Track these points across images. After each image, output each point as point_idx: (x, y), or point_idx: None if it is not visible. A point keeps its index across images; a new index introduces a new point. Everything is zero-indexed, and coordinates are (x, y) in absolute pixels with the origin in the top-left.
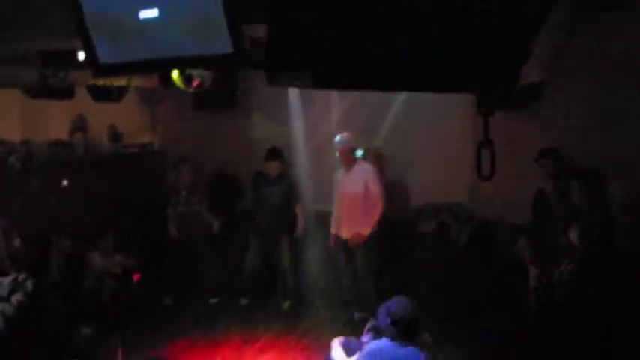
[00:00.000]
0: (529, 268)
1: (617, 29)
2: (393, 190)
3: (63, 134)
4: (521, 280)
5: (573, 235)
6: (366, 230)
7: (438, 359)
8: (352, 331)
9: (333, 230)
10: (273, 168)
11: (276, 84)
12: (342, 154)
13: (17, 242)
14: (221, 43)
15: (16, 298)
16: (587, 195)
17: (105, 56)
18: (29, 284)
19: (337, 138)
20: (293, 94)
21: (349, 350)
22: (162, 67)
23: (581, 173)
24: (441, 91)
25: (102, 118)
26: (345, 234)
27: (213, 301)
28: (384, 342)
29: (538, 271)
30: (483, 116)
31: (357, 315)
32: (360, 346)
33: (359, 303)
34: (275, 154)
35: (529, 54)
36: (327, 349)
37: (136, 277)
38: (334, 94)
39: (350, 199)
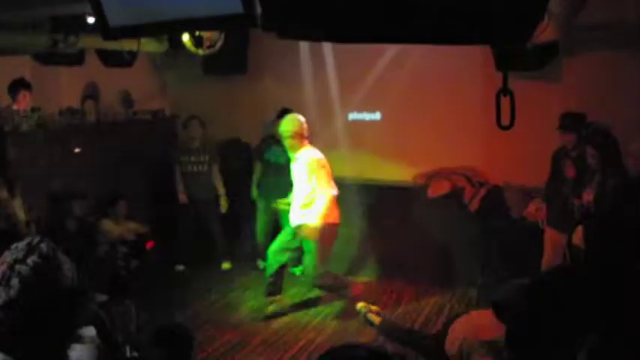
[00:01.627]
0: (544, 229)
1: None
2: (405, 155)
3: (74, 101)
4: (535, 244)
5: (588, 198)
6: (315, 224)
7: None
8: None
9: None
10: None
11: (287, 37)
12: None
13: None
14: (231, 4)
15: (32, 259)
16: (604, 159)
17: (114, 19)
18: (44, 246)
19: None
20: (304, 56)
21: None
22: (171, 29)
23: (598, 137)
24: (453, 42)
25: (113, 84)
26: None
27: (225, 266)
28: None
29: (553, 233)
30: (503, 68)
31: None
32: None
33: None
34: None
35: (544, 9)
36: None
37: (149, 244)
38: (346, 56)
39: (296, 188)
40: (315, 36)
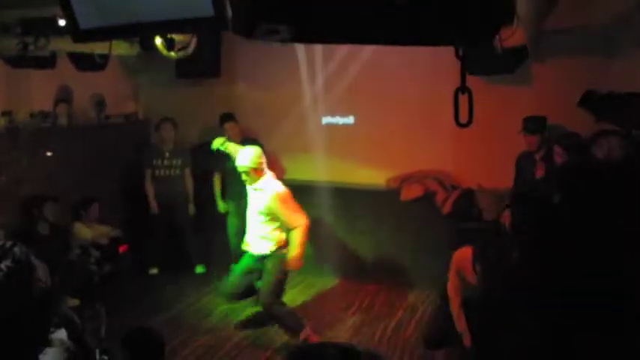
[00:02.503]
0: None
1: None
2: (378, 158)
3: (46, 105)
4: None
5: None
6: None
7: None
8: None
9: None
10: (231, 128)
11: (255, 37)
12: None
13: None
14: (202, 7)
15: (5, 264)
16: (571, 158)
17: (85, 22)
18: (17, 250)
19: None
20: (278, 60)
21: None
22: (142, 31)
23: (564, 137)
24: (419, 43)
25: (86, 87)
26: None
27: (199, 270)
28: None
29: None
30: (460, 60)
31: None
32: None
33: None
34: (230, 115)
35: (511, 12)
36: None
37: (122, 248)
38: (319, 60)
39: (254, 217)
40: (282, 37)
